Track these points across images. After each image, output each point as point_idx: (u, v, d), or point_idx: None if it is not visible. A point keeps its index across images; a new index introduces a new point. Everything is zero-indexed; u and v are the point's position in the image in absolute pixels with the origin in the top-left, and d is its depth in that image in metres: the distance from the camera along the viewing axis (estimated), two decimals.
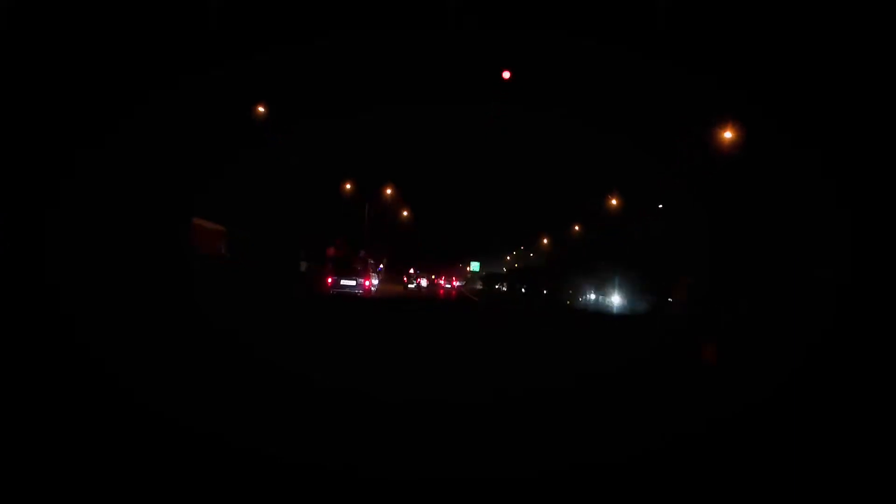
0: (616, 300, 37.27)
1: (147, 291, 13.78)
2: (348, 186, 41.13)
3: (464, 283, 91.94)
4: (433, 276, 75.82)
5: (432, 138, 65.44)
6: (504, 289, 73.09)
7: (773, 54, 21.28)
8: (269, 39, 24.23)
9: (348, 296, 26.76)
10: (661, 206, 35.35)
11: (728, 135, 23.97)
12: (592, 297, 43.62)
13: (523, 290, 59.23)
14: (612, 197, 38.61)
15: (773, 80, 21.51)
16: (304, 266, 28.10)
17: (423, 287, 57.54)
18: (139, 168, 19.75)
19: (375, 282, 35.11)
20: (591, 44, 30.71)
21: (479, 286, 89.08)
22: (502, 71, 27.42)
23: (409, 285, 52.34)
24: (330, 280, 27.64)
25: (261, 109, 27.02)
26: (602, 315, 27.97)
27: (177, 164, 21.09)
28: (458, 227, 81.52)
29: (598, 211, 41.75)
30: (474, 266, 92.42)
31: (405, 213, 54.13)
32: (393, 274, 54.79)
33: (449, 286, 73.56)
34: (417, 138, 60.52)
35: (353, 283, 27.77)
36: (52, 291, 10.81)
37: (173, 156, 21.10)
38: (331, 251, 31.07)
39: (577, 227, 52.67)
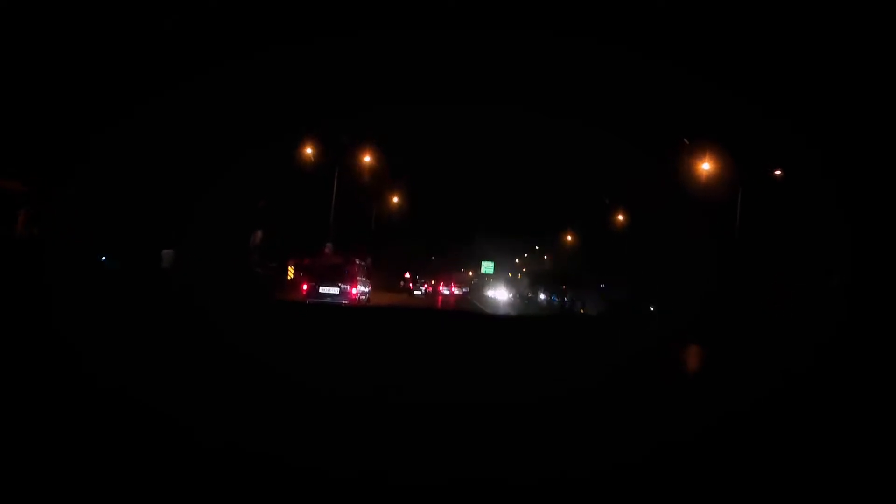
0: None
1: None
2: (309, 151, 28.89)
3: (468, 289, 79.74)
4: (433, 281, 68.33)
5: (431, 139, 58.99)
6: (582, 308, 34.27)
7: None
8: (269, 39, 23.94)
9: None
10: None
11: None
12: None
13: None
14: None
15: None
16: (167, 257, 15.70)
17: (430, 294, 54.48)
18: None
19: (365, 289, 27.82)
20: (591, 44, 31.08)
21: (508, 295, 64.84)
22: None
23: (416, 292, 49.23)
24: (305, 287, 23.52)
25: None
26: None
27: None
28: (461, 228, 72.43)
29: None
30: (486, 267, 77.46)
31: (395, 200, 42.94)
32: (380, 276, 43.99)
33: (448, 292, 66.55)
34: (416, 138, 55.10)
35: (335, 290, 23.63)
36: None
37: None
38: (258, 237, 19.36)
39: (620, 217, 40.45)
